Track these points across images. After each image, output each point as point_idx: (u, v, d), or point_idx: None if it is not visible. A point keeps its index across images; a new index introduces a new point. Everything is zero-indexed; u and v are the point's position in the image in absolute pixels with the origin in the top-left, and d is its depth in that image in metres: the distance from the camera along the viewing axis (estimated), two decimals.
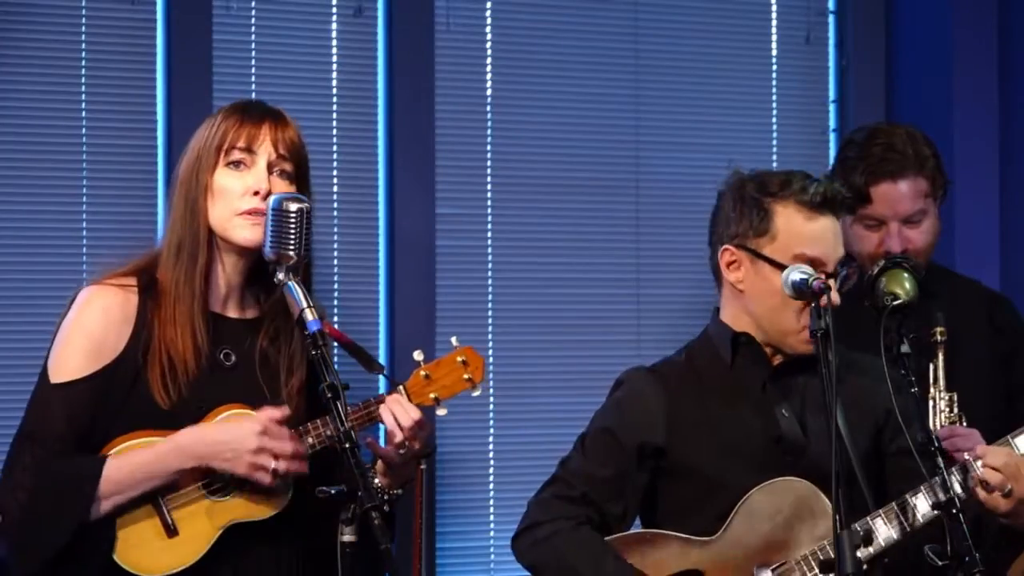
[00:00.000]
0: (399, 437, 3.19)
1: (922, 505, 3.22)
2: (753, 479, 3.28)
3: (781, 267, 3.29)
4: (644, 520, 3.46)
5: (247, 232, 3.18)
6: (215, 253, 3.22)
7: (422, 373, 3.31)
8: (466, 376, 3.34)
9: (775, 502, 3.26)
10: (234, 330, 3.25)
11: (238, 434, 3.12)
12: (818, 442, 3.29)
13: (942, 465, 3.15)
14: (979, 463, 3.21)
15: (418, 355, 3.32)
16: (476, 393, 3.38)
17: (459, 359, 3.35)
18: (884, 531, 3.22)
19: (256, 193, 3.17)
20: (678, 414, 3.38)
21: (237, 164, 3.20)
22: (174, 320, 3.17)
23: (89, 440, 3.15)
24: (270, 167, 3.20)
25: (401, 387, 3.29)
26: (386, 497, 3.23)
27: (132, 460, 3.12)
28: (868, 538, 3.19)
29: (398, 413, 3.20)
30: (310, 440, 3.19)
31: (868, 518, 3.21)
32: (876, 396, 3.27)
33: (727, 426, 3.36)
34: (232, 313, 3.26)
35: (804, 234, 3.34)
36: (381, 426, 3.32)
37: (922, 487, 3.21)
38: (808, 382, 3.36)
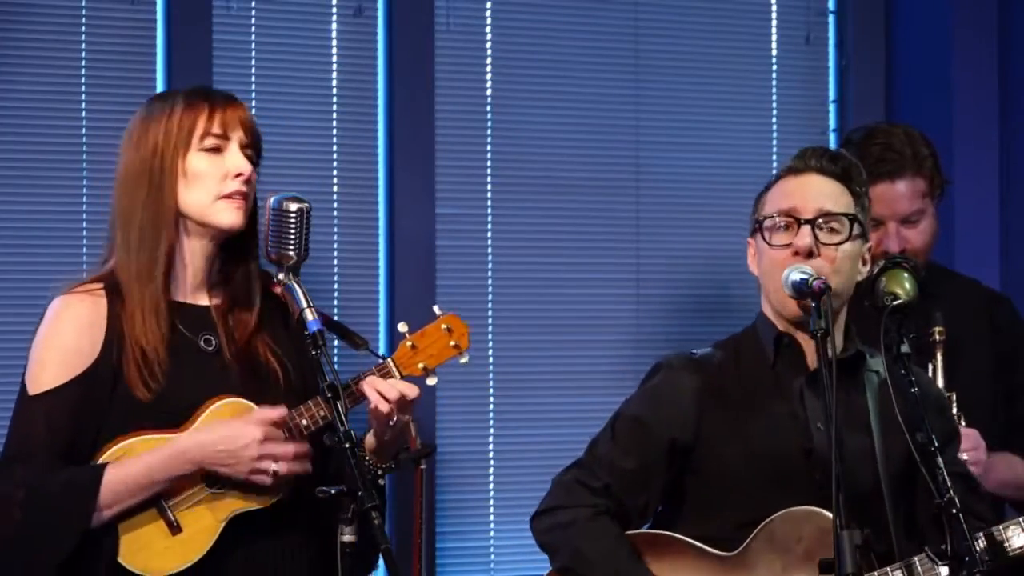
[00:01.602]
0: (385, 408, 3.17)
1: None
2: (778, 491, 3.22)
3: (761, 221, 3.30)
4: (666, 511, 3.40)
5: (231, 215, 3.19)
6: (180, 238, 3.21)
7: (408, 344, 3.26)
8: (452, 343, 3.29)
9: (796, 531, 3.19)
10: (208, 316, 3.24)
11: (240, 442, 3.11)
12: (850, 461, 3.15)
13: (942, 465, 3.14)
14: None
15: (403, 327, 3.28)
16: (464, 360, 3.32)
17: (443, 327, 3.30)
18: None
19: (238, 175, 3.19)
20: (712, 412, 3.32)
21: (214, 149, 3.20)
22: (140, 312, 3.16)
23: (77, 448, 3.14)
24: (241, 150, 3.22)
25: (389, 360, 3.26)
26: (379, 472, 3.23)
27: (131, 467, 3.11)
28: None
29: (382, 388, 3.18)
30: (305, 421, 3.17)
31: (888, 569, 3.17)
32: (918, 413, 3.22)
33: (760, 432, 3.29)
34: (202, 301, 3.26)
35: (781, 190, 3.34)
36: None
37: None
38: (848, 398, 3.25)
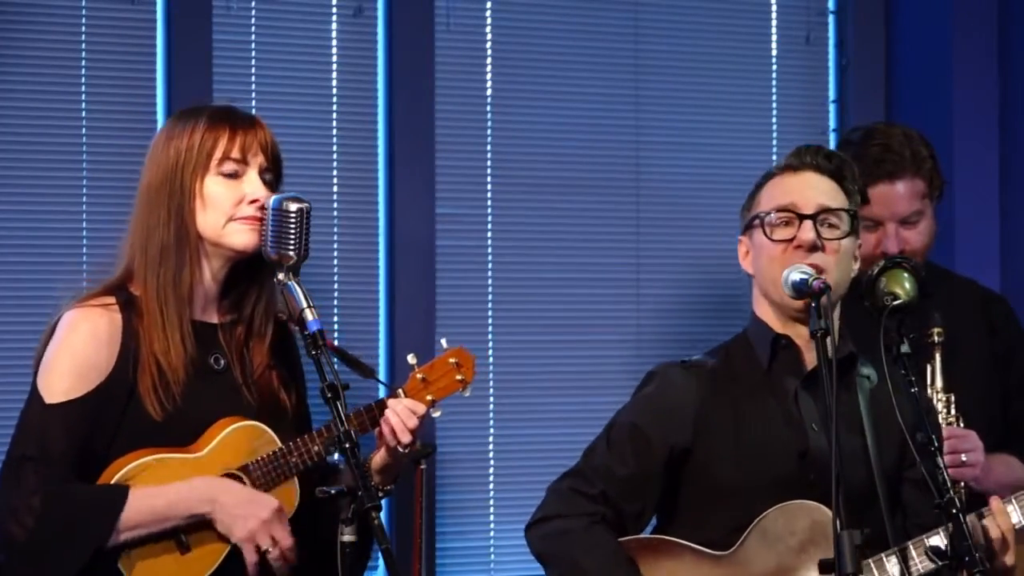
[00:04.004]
0: (407, 438, 3.20)
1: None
2: (773, 493, 3.23)
3: (761, 217, 3.31)
4: (661, 517, 3.41)
5: (244, 236, 3.19)
6: (200, 259, 3.22)
7: (418, 376, 3.33)
8: (459, 377, 3.37)
9: (790, 524, 3.21)
10: (217, 335, 3.25)
11: (261, 502, 3.13)
12: (845, 461, 3.10)
13: (942, 465, 3.14)
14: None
15: (412, 359, 3.33)
16: (467, 393, 3.39)
17: (451, 360, 3.37)
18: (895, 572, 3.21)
19: (253, 202, 3.19)
20: (707, 416, 3.33)
21: (232, 175, 3.21)
22: (161, 329, 3.16)
23: (87, 462, 3.13)
24: (260, 174, 3.22)
25: (400, 391, 3.30)
26: (380, 494, 3.24)
27: (156, 499, 3.10)
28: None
29: (404, 416, 3.21)
30: (294, 459, 3.18)
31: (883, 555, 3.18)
32: (906, 415, 3.23)
33: (755, 435, 3.31)
34: (212, 318, 3.26)
35: (778, 186, 3.36)
36: None
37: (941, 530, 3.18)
38: (841, 398, 3.21)
